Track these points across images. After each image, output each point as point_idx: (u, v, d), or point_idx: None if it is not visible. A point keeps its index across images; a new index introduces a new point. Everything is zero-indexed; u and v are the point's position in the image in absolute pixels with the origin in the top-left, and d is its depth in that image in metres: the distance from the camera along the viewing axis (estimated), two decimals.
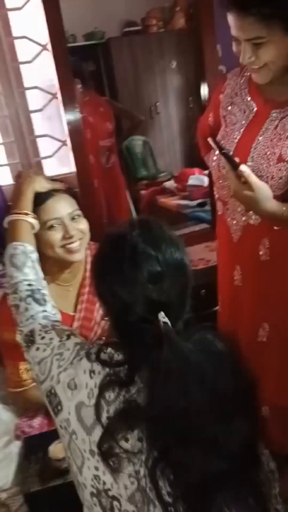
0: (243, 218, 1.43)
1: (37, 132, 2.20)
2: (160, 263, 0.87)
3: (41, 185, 1.39)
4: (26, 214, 1.29)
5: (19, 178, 1.41)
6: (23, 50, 2.11)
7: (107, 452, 0.85)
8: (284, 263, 1.43)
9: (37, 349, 1.00)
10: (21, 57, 2.12)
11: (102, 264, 0.94)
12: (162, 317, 0.84)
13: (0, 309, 1.56)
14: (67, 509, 1.03)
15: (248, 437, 0.84)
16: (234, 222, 1.46)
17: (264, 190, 1.26)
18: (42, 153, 2.23)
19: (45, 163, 2.23)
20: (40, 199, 1.40)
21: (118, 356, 0.91)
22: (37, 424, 1.53)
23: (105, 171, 2.70)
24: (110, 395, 0.87)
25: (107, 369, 0.90)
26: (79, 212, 1.49)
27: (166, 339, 0.83)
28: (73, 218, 1.47)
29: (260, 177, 1.30)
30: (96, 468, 0.88)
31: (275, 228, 1.38)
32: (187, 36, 3.21)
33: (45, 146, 2.22)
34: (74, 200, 1.50)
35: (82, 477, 0.90)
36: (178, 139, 3.67)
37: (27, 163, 2.18)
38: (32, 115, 2.17)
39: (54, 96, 2.14)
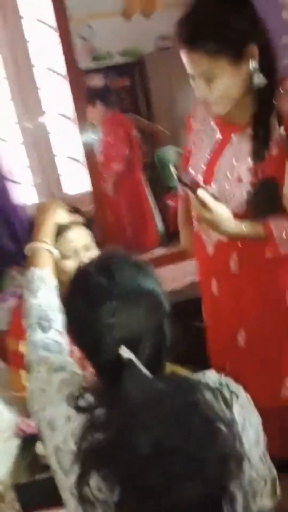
0: (215, 235, 1.51)
1: (56, 153, 2.38)
2: (114, 295, 0.86)
3: (61, 218, 1.48)
4: (47, 243, 1.36)
5: (41, 209, 1.49)
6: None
7: (83, 497, 0.83)
8: (252, 275, 1.50)
9: (30, 380, 1.04)
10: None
11: (66, 302, 0.98)
12: (125, 352, 0.81)
13: (12, 318, 1.74)
14: (54, 500, 1.07)
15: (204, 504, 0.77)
16: (207, 239, 1.55)
17: (221, 212, 1.34)
18: (61, 172, 2.40)
19: (64, 181, 2.40)
20: (59, 231, 1.49)
21: (96, 403, 0.86)
22: (35, 423, 1.68)
23: (127, 185, 2.80)
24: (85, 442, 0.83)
25: (83, 416, 0.86)
26: (92, 243, 1.62)
27: (127, 374, 0.80)
28: (87, 249, 1.59)
29: (224, 196, 1.38)
30: (76, 509, 0.88)
31: (239, 245, 1.46)
32: None
33: (64, 166, 2.39)
34: (89, 231, 1.63)
35: (69, 509, 0.93)
36: None
37: (47, 182, 2.36)
38: (51, 137, 2.36)
39: (71, 119, 2.31)
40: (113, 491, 0.80)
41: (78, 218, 1.59)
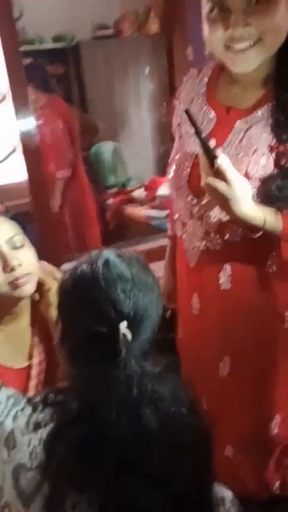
0: (203, 243, 1.26)
1: None
2: (128, 284, 0.83)
3: None
4: None
5: None
6: None
7: None
8: (247, 292, 1.27)
9: None
10: None
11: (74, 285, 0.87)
12: (124, 327, 0.78)
13: None
14: None
15: (189, 480, 0.76)
16: (192, 246, 1.30)
17: (241, 186, 1.06)
18: None
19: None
20: None
21: (71, 400, 0.80)
22: None
23: (69, 182, 2.60)
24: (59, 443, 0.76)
25: (56, 419, 0.80)
26: (21, 238, 1.23)
27: (123, 350, 0.76)
28: (14, 247, 1.21)
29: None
30: None
31: (253, 236, 1.17)
32: (161, 42, 3.12)
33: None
34: (15, 224, 1.25)
35: None
36: (150, 145, 3.57)
37: None
38: None
39: (3, 98, 2.02)
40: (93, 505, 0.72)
41: None
